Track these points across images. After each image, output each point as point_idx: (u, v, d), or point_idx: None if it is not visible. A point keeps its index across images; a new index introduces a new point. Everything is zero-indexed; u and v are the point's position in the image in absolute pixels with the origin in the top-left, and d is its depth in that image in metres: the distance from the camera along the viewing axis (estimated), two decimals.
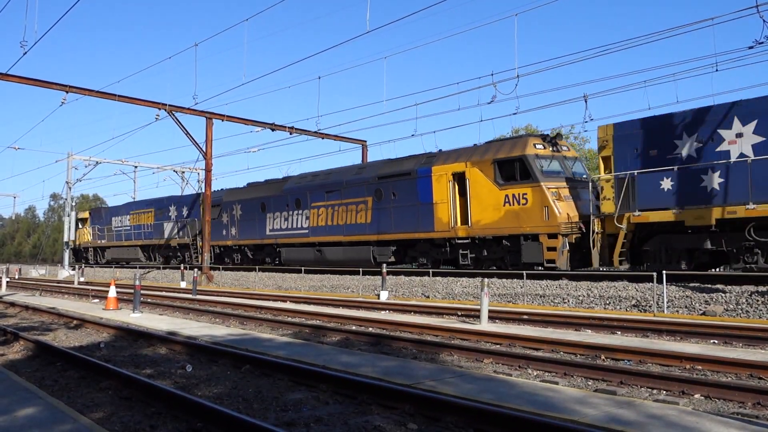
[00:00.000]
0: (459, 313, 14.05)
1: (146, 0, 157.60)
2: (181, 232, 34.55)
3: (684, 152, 15.17)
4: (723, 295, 13.42)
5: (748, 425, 5.11)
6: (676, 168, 15.03)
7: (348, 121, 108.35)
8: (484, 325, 11.85)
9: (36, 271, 45.54)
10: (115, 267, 39.98)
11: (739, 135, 14.31)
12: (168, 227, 35.49)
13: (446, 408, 5.57)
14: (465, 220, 19.84)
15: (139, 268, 31.99)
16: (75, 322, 13.74)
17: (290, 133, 32.35)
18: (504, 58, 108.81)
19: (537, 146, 18.72)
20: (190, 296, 20.69)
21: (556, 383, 7.06)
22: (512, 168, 18.55)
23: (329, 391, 6.60)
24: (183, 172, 47.70)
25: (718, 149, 14.57)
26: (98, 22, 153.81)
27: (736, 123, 14.44)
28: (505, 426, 5.03)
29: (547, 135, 19.51)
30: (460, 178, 20.04)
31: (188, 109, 29.03)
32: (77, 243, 45.20)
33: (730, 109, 14.66)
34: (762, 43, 14.39)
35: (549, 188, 17.72)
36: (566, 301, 15.44)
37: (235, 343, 9.90)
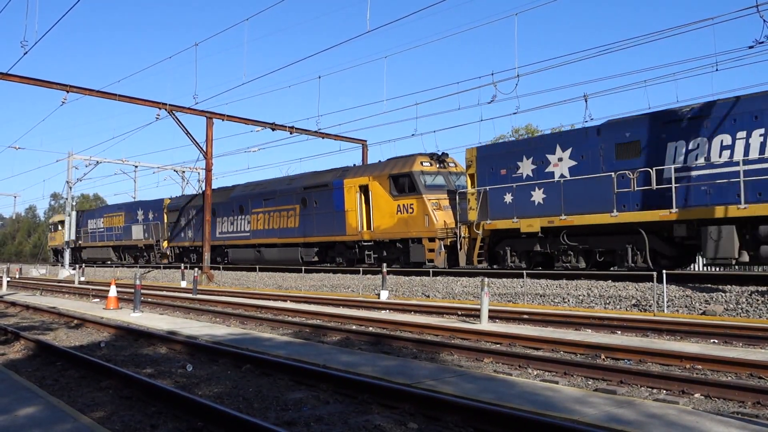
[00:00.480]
0: (459, 313, 14.06)
1: (146, 0, 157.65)
2: (146, 234, 38.14)
3: (524, 172, 18.50)
4: (723, 294, 13.42)
5: (748, 425, 5.12)
6: (515, 185, 18.47)
7: (348, 121, 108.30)
8: (485, 324, 11.85)
9: (36, 271, 45.55)
10: (115, 267, 40.19)
11: (560, 159, 17.59)
12: (136, 229, 39.00)
13: (446, 407, 5.58)
14: (369, 225, 23.09)
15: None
16: (75, 321, 13.76)
17: (290, 133, 32.36)
18: (504, 58, 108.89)
19: (424, 164, 21.91)
20: (190, 296, 20.70)
21: (556, 383, 7.07)
22: (403, 182, 21.92)
23: (329, 391, 6.60)
24: (183, 172, 47.71)
25: (546, 170, 17.90)
26: (99, 22, 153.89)
27: (558, 150, 17.70)
28: (505, 425, 5.04)
29: (435, 153, 22.57)
30: (365, 190, 23.32)
31: (188, 108, 29.04)
32: (57, 244, 48.86)
33: (555, 138, 18.51)
34: (762, 42, 14.39)
35: (430, 200, 21.02)
36: (566, 300, 15.45)
37: (236, 342, 9.91)
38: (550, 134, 19.47)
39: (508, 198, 18.48)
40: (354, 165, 26.08)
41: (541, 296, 16.04)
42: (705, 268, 21.82)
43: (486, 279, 12.33)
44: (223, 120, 30.33)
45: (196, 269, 25.73)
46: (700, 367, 7.93)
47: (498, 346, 9.92)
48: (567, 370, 7.77)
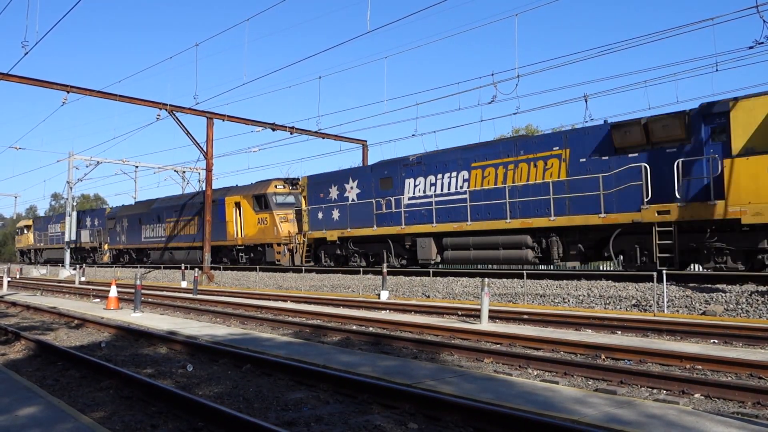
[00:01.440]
0: (459, 313, 14.06)
1: (147, 0, 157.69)
2: (92, 238, 45.83)
3: (332, 196, 24.96)
4: (723, 294, 13.42)
5: (748, 425, 5.12)
6: (323, 206, 25.13)
7: (348, 121, 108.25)
8: (485, 324, 11.86)
9: (37, 271, 45.51)
10: (116, 267, 40.34)
11: (351, 188, 24.20)
12: (84, 234, 46.47)
13: (446, 407, 5.59)
14: (241, 233, 30.47)
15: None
16: (76, 321, 13.77)
17: (291, 133, 32.36)
18: (504, 58, 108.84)
19: (277, 187, 29.20)
20: (190, 296, 20.71)
21: (556, 383, 7.07)
22: (261, 201, 29.07)
23: (330, 391, 6.61)
24: (184, 172, 47.74)
25: (344, 195, 24.48)
26: (99, 23, 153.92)
27: (351, 181, 24.30)
28: (505, 425, 5.05)
29: (289, 178, 30.45)
30: (238, 206, 30.51)
31: (189, 109, 29.05)
32: (23, 246, 56.72)
33: (349, 172, 25.18)
34: (762, 43, 14.41)
35: (278, 215, 28.21)
36: (566, 300, 15.45)
37: (236, 342, 9.91)
38: (347, 169, 26.36)
39: (320, 215, 25.27)
40: (235, 185, 32.93)
41: (541, 296, 16.04)
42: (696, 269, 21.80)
43: (486, 279, 12.33)
44: (223, 120, 30.35)
45: (197, 269, 25.76)
46: (700, 367, 7.93)
47: (498, 346, 9.92)
48: (567, 371, 7.78)
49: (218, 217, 30.88)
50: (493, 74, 20.49)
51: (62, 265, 41.40)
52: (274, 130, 31.72)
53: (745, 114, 13.98)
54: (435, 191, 20.69)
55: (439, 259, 20.93)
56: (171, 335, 10.80)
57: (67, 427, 4.97)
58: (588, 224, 16.76)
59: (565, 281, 16.77)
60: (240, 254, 30.93)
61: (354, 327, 12.50)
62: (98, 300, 19.86)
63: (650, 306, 13.85)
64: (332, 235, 24.48)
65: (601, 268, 21.89)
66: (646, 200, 15.48)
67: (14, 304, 18.44)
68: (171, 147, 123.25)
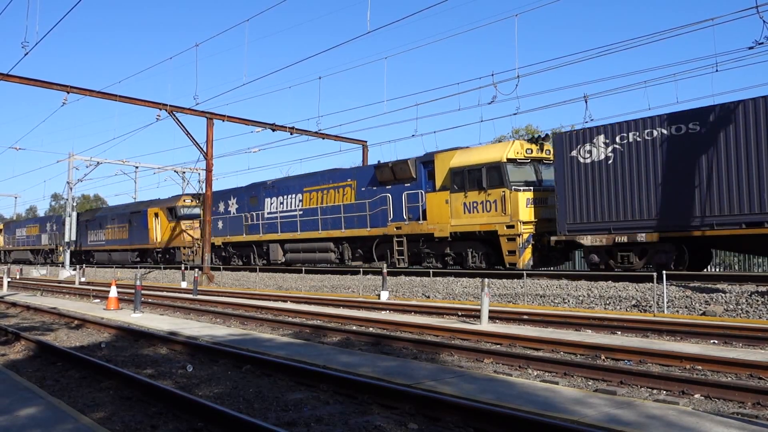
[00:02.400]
0: (459, 313, 14.06)
1: (147, 1, 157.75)
2: (50, 241, 51.14)
3: (221, 210, 31.19)
4: (723, 295, 13.42)
5: (747, 425, 5.13)
6: (215, 217, 30.67)
7: (348, 122, 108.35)
8: (485, 325, 11.86)
9: (37, 272, 45.51)
10: (115, 267, 40.43)
11: (233, 204, 30.40)
12: (44, 237, 52.57)
13: (446, 408, 5.59)
14: (158, 238, 36.57)
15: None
16: (76, 322, 13.77)
17: (291, 134, 32.34)
18: (504, 59, 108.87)
19: (185, 201, 35.51)
20: (190, 296, 20.71)
21: (556, 383, 7.08)
22: (172, 212, 35.32)
23: (330, 391, 6.61)
24: (184, 173, 47.69)
25: (228, 209, 30.77)
26: (99, 23, 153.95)
27: (233, 199, 30.58)
28: (505, 426, 5.05)
29: (195, 193, 36.38)
30: (157, 216, 36.62)
31: (189, 109, 29.04)
32: None
33: (231, 191, 31.17)
34: (762, 43, 14.41)
35: (185, 224, 34.71)
36: (566, 301, 15.45)
37: (236, 343, 9.92)
38: (230, 189, 31.88)
39: (218, 225, 31.13)
40: (157, 198, 39.35)
41: (541, 297, 16.05)
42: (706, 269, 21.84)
43: (486, 279, 12.34)
44: (223, 121, 30.33)
45: (197, 270, 25.76)
46: (700, 367, 7.93)
47: (498, 346, 9.93)
48: (567, 371, 7.78)
49: (142, 224, 37.88)
50: (493, 74, 20.51)
51: (62, 266, 41.41)
52: (274, 130, 31.71)
53: (441, 163, 20.23)
54: (281, 209, 27.41)
55: (283, 259, 27.68)
56: (171, 336, 10.80)
57: (67, 428, 4.98)
58: (361, 235, 23.23)
59: (564, 281, 16.77)
60: (158, 255, 37.75)
61: (354, 327, 12.50)
62: (98, 300, 19.86)
63: (650, 306, 13.86)
64: (218, 241, 31.10)
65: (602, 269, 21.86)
66: (390, 219, 21.86)
67: (14, 304, 18.44)
68: (171, 147, 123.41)
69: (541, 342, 9.79)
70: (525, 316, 13.34)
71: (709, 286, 14.31)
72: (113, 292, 16.67)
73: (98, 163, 44.38)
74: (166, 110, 28.34)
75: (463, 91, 39.29)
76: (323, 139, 33.43)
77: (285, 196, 27.29)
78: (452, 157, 19.89)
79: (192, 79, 39.96)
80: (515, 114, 44.31)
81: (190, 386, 7.12)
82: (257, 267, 28.64)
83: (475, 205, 19.08)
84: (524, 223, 18.04)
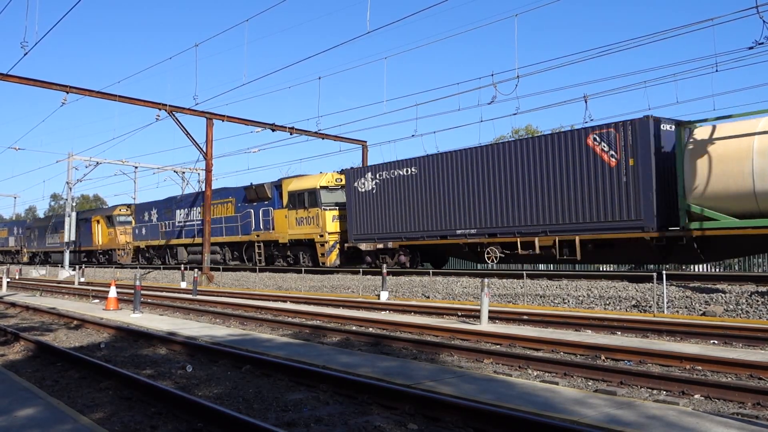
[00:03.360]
0: (459, 314, 14.05)
1: (146, 1, 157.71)
2: (16, 243, 58.83)
3: (145, 218, 38.20)
4: (723, 295, 13.42)
5: (747, 425, 5.12)
6: (140, 225, 38.50)
7: (348, 122, 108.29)
8: (484, 325, 11.85)
9: (36, 272, 45.52)
10: (115, 267, 40.40)
11: (154, 214, 36.87)
12: (12, 240, 59.94)
13: (446, 408, 5.58)
14: (100, 242, 43.31)
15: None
16: (75, 322, 13.76)
17: (290, 134, 32.34)
18: (504, 59, 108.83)
19: (121, 210, 42.07)
20: (190, 296, 20.70)
21: (556, 383, 7.07)
22: (111, 220, 41.99)
23: (329, 392, 6.60)
24: (183, 173, 47.72)
25: (150, 218, 37.41)
26: (99, 23, 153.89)
27: (154, 210, 37.14)
28: (505, 426, 5.04)
29: (129, 204, 43.10)
30: (98, 222, 43.37)
31: (188, 109, 29.03)
32: None
33: (153, 204, 37.65)
34: (762, 43, 14.43)
35: (119, 230, 41.24)
36: (566, 301, 15.45)
37: (236, 343, 9.91)
38: (152, 201, 38.36)
39: (138, 231, 38.36)
40: (101, 207, 47.08)
41: (541, 297, 16.04)
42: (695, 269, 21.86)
43: (486, 280, 12.33)
44: (223, 121, 30.33)
45: (196, 270, 25.77)
46: (700, 367, 7.93)
47: (498, 346, 9.92)
48: (567, 371, 7.77)
49: (88, 230, 44.25)
50: (492, 75, 20.59)
51: (62, 266, 41.43)
52: (273, 130, 31.70)
53: (285, 187, 26.77)
54: (186, 219, 34.08)
55: (187, 259, 34.06)
56: (170, 336, 10.79)
57: (66, 428, 4.97)
58: (236, 241, 30.14)
59: (564, 282, 16.77)
60: (100, 256, 44.43)
61: (354, 328, 12.49)
62: (97, 301, 19.85)
63: (650, 306, 13.85)
64: (142, 244, 38.35)
65: (602, 269, 21.91)
66: (252, 229, 28.62)
67: (13, 304, 18.42)
68: (171, 147, 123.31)
69: (541, 342, 9.78)
70: (525, 317, 13.33)
71: (709, 286, 14.31)
72: (112, 292, 16.65)
73: (98, 163, 44.41)
74: (165, 110, 28.33)
75: (462, 92, 39.39)
76: (323, 139, 33.43)
77: (189, 209, 34.12)
78: (291, 183, 26.67)
79: (192, 79, 40.08)
80: (515, 114, 44.39)
81: (190, 386, 7.11)
82: (257, 267, 28.68)
83: (302, 219, 25.84)
84: (330, 233, 24.84)
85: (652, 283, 13.94)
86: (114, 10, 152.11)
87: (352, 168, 25.05)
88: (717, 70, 16.77)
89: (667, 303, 13.64)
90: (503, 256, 19.19)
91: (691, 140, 14.82)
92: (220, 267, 30.92)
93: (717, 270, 22.19)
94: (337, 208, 25.12)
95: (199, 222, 31.74)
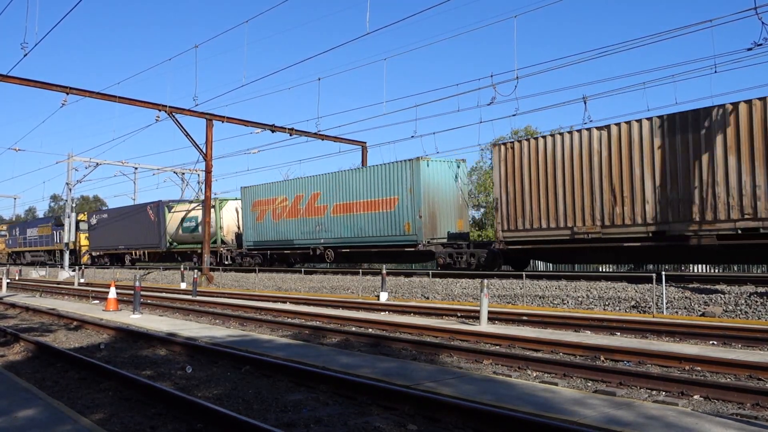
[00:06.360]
0: (458, 315, 14.05)
1: (146, 1, 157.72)
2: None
3: (13, 233, 59.19)
4: (722, 296, 13.43)
5: (747, 426, 5.12)
6: (9, 237, 59.53)
7: (348, 123, 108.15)
8: (484, 326, 11.86)
9: (36, 272, 45.54)
10: (115, 268, 40.41)
11: (16, 231, 58.28)
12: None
13: (446, 409, 5.59)
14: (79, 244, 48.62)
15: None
16: (75, 323, 13.75)
17: (290, 135, 32.35)
18: (503, 60, 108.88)
19: (81, 217, 46.11)
20: (190, 297, 20.70)
21: (556, 384, 7.07)
22: (76, 226, 43.45)
23: (329, 392, 6.61)
24: (183, 174, 47.73)
25: (12, 234, 60.07)
26: (98, 24, 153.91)
27: (17, 229, 58.78)
28: (505, 427, 5.05)
29: (5, 223, 66.58)
30: (52, 228, 50.64)
31: (188, 110, 29.04)
32: None
33: (18, 225, 59.57)
34: (761, 45, 14.45)
35: (81, 234, 45.56)
36: (566, 302, 15.46)
37: (235, 344, 9.91)
38: (19, 223, 51.08)
39: (8, 242, 53.30)
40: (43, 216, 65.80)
41: (540, 298, 16.05)
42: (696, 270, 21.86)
43: (485, 280, 12.34)
44: (222, 122, 30.34)
45: (196, 270, 25.76)
46: (699, 368, 7.93)
47: (497, 347, 9.92)
48: (566, 372, 7.78)
49: (52, 232, 50.39)
50: (492, 76, 20.60)
51: (62, 267, 41.41)
52: (273, 131, 31.72)
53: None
54: (30, 235, 48.85)
55: (29, 260, 46.21)
56: (170, 337, 10.79)
57: (65, 429, 4.97)
58: (51, 249, 46.90)
59: (564, 282, 16.78)
60: (84, 257, 49.38)
61: (353, 328, 12.50)
62: (97, 301, 19.84)
63: (649, 307, 13.86)
64: (9, 250, 52.02)
65: (601, 270, 21.91)
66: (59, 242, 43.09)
67: (13, 305, 18.42)
68: (170, 148, 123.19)
69: (540, 343, 9.79)
70: (524, 317, 13.33)
71: (708, 287, 14.31)
72: (112, 293, 16.65)
73: (97, 164, 44.42)
74: (165, 111, 28.34)
75: (462, 92, 39.29)
76: (323, 140, 33.45)
77: (32, 229, 51.26)
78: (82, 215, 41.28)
79: (191, 80, 40.31)
80: (514, 115, 44.25)
81: (190, 387, 7.11)
82: (256, 268, 28.71)
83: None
84: (83, 245, 44.46)
85: (652, 284, 13.95)
86: (113, 11, 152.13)
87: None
88: (716, 71, 16.77)
89: (666, 304, 13.65)
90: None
91: None
92: (220, 268, 31.07)
93: (716, 271, 22.20)
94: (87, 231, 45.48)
95: (34, 237, 53.04)
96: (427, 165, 22.64)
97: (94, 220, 45.36)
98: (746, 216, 14.09)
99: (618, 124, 16.47)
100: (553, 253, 18.67)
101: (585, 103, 20.06)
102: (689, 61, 42.30)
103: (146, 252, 40.18)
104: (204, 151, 29.65)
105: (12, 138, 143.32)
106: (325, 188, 26.69)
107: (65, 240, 41.63)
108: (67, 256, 41.71)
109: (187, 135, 29.08)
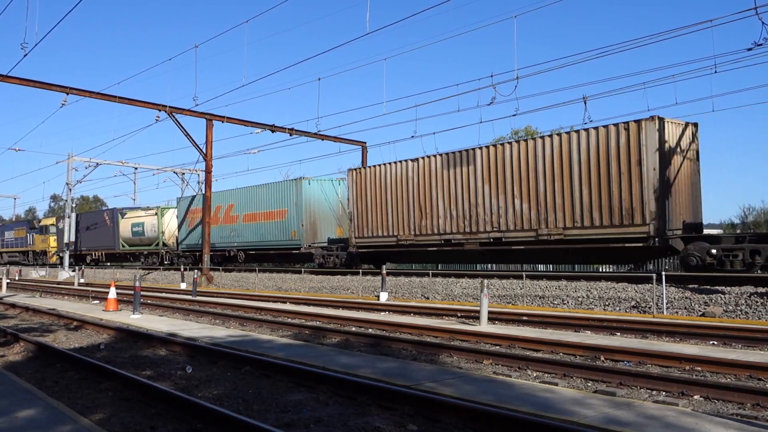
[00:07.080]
0: (459, 315, 14.05)
1: (146, 1, 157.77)
2: None
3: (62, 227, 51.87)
4: (722, 296, 13.43)
5: (747, 426, 5.12)
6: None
7: (348, 123, 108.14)
8: (484, 326, 11.86)
9: (36, 273, 45.54)
10: (115, 268, 40.45)
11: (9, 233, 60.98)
12: None
13: (446, 409, 5.59)
14: (37, 245, 52.76)
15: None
16: (75, 323, 13.75)
17: (290, 135, 32.36)
18: (503, 60, 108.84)
19: (49, 222, 51.62)
20: (190, 297, 20.70)
21: (556, 384, 7.07)
22: (45, 229, 50.66)
23: (329, 392, 6.61)
24: (183, 174, 47.75)
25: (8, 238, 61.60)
26: (98, 24, 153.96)
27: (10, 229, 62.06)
28: (505, 427, 5.05)
29: (57, 217, 53.37)
30: (29, 231, 55.02)
31: (188, 110, 29.05)
32: None
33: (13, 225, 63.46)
34: (761, 45, 14.46)
35: (51, 237, 49.83)
36: (566, 302, 15.45)
37: (235, 344, 9.91)
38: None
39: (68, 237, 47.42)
40: (39, 218, 66.14)
41: (540, 298, 16.05)
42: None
43: (485, 281, 12.34)
44: (222, 122, 30.35)
45: (196, 270, 25.76)
46: (699, 368, 7.93)
47: (497, 347, 9.92)
48: (566, 372, 7.78)
49: (27, 234, 54.32)
50: (492, 76, 20.59)
51: (62, 267, 41.43)
52: (273, 131, 31.73)
53: (45, 222, 52.22)
54: (6, 238, 53.41)
55: (6, 260, 48.71)
56: (170, 337, 10.79)
57: (65, 429, 4.97)
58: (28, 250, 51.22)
59: (564, 282, 16.78)
60: (37, 256, 52.80)
61: (353, 328, 12.50)
62: (97, 302, 19.84)
63: (649, 307, 13.86)
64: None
65: (601, 270, 21.91)
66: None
67: (13, 305, 18.41)
68: (170, 149, 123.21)
69: (540, 343, 9.79)
70: (524, 317, 13.33)
71: (709, 287, 14.32)
72: (112, 293, 16.65)
73: (97, 164, 44.44)
74: (165, 111, 28.36)
75: (462, 93, 39.34)
76: (323, 140, 33.46)
77: (8, 231, 55.58)
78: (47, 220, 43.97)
79: (191, 80, 40.35)
80: (514, 115, 44.14)
81: (190, 387, 7.11)
82: (256, 268, 28.76)
83: (45, 239, 47.89)
84: (52, 246, 47.72)
85: (652, 284, 13.95)
86: (113, 11, 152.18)
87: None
88: (716, 71, 16.76)
89: (667, 304, 13.65)
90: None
91: None
92: (219, 268, 31.13)
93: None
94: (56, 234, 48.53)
95: (11, 239, 57.64)
96: (309, 183, 28.45)
97: (61, 225, 48.40)
98: (494, 229, 19.33)
99: (424, 158, 21.67)
100: (386, 255, 23.75)
101: (585, 103, 20.10)
102: (689, 61, 42.31)
103: (104, 253, 45.56)
104: (204, 151, 29.66)
105: (12, 138, 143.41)
106: (238, 200, 31.82)
107: (65, 240, 41.66)
108: (66, 255, 41.73)
109: (187, 135, 29.10)
